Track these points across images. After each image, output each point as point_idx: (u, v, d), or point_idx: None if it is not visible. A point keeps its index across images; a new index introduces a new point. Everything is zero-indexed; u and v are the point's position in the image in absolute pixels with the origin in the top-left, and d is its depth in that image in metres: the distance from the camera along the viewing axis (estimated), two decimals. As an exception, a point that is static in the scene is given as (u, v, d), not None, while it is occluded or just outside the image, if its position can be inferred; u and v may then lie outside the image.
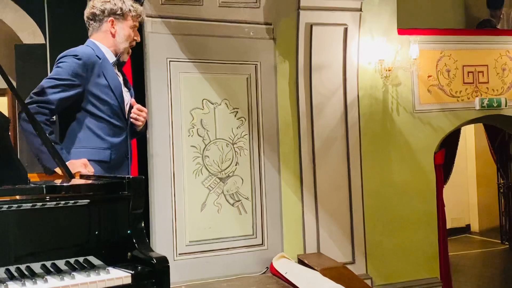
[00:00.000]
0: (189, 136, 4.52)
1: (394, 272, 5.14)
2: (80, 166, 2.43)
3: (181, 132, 4.48)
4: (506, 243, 8.25)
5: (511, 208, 8.08)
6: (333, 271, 4.18)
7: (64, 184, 2.12)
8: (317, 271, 4.22)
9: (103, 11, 2.76)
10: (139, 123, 2.88)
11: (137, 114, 2.85)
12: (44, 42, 4.81)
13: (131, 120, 2.87)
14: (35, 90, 2.58)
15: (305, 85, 4.88)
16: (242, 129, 4.71)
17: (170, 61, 4.47)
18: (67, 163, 2.33)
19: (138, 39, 2.89)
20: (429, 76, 5.39)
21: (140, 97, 4.43)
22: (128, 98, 2.85)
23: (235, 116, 4.69)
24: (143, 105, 4.42)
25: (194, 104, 4.55)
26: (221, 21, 4.63)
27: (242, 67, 4.72)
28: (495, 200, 8.58)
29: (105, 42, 2.78)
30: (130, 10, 2.79)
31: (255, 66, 4.75)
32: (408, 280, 5.17)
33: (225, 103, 4.66)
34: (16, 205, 1.82)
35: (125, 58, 2.89)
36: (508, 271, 7.03)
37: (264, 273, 4.62)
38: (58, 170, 2.38)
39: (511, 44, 5.70)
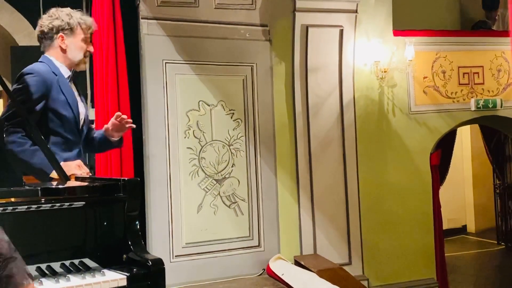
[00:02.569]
0: (185, 137, 4.52)
1: (391, 273, 5.15)
2: (75, 167, 2.43)
3: (177, 133, 4.48)
4: (502, 243, 8.27)
5: (507, 209, 8.10)
6: (329, 272, 4.18)
7: (59, 186, 2.12)
8: (314, 272, 4.21)
9: (51, 29, 2.79)
10: (117, 136, 2.87)
11: (119, 121, 2.82)
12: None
13: (110, 130, 2.85)
14: (3, 116, 2.60)
15: (301, 87, 4.88)
16: (238, 130, 4.71)
17: (166, 62, 4.47)
18: (61, 163, 2.33)
19: (92, 50, 2.90)
20: (424, 77, 5.40)
21: (136, 98, 4.43)
22: (83, 110, 2.85)
23: (231, 117, 4.69)
24: (139, 107, 4.44)
25: (190, 106, 4.55)
26: (217, 23, 4.63)
27: (238, 69, 4.72)
28: (491, 201, 8.60)
29: (58, 58, 2.80)
30: (79, 23, 2.80)
31: (251, 68, 4.76)
32: (404, 281, 5.18)
33: (221, 105, 4.66)
34: (11, 208, 1.82)
35: (83, 68, 2.90)
36: (504, 271, 7.04)
37: (260, 274, 4.62)
38: (53, 175, 2.37)
39: (506, 45, 5.70)
